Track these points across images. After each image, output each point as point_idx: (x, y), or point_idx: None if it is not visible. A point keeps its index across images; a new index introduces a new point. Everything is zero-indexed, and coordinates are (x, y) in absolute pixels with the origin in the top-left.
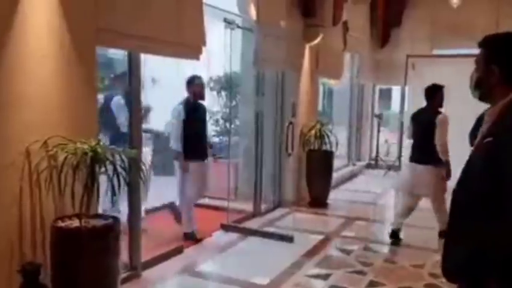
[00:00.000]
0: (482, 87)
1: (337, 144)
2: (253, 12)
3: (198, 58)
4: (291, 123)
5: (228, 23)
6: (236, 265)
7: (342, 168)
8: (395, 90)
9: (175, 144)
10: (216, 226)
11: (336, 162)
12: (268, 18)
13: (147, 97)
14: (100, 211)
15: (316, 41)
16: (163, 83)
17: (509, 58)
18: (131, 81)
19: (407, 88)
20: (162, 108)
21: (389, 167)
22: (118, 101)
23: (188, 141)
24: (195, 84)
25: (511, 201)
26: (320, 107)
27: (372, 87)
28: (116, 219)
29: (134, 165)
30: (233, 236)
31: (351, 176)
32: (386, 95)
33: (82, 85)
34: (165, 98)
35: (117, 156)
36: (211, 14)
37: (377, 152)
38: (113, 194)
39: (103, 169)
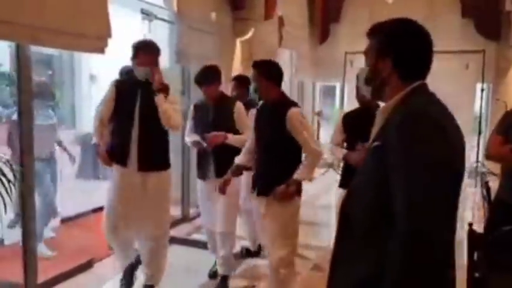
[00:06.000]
0: (372, 83)
1: None
2: (174, 2)
3: (102, 51)
4: None
5: (146, 14)
6: None
7: None
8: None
9: None
10: None
11: None
12: (190, 9)
13: (82, 95)
14: None
15: (247, 36)
16: (103, 80)
17: (403, 48)
18: (20, 85)
19: (346, 85)
20: None
21: (330, 165)
22: None
23: None
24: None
25: (399, 217)
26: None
27: (313, 84)
28: None
29: (24, 178)
30: None
31: None
32: (331, 92)
33: None
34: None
35: None
36: (131, 6)
37: None
38: None
39: None
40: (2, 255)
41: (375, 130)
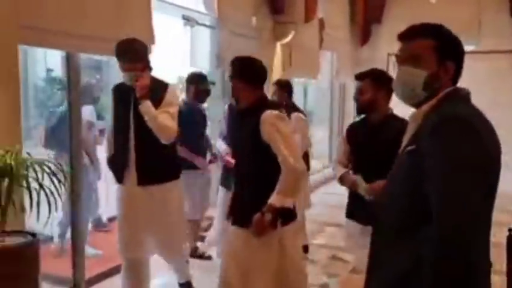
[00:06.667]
0: (431, 88)
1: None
2: (215, 8)
3: None
4: None
5: (187, 20)
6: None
7: (323, 169)
8: None
9: None
10: None
11: (317, 164)
12: (231, 15)
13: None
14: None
15: (287, 39)
16: None
17: (462, 52)
18: (70, 90)
19: None
20: None
21: None
22: None
23: None
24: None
25: (436, 220)
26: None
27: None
28: (35, 237)
29: (73, 177)
30: None
31: (332, 178)
32: None
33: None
34: None
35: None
36: (173, 13)
37: None
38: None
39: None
40: (52, 251)
41: (407, 137)
